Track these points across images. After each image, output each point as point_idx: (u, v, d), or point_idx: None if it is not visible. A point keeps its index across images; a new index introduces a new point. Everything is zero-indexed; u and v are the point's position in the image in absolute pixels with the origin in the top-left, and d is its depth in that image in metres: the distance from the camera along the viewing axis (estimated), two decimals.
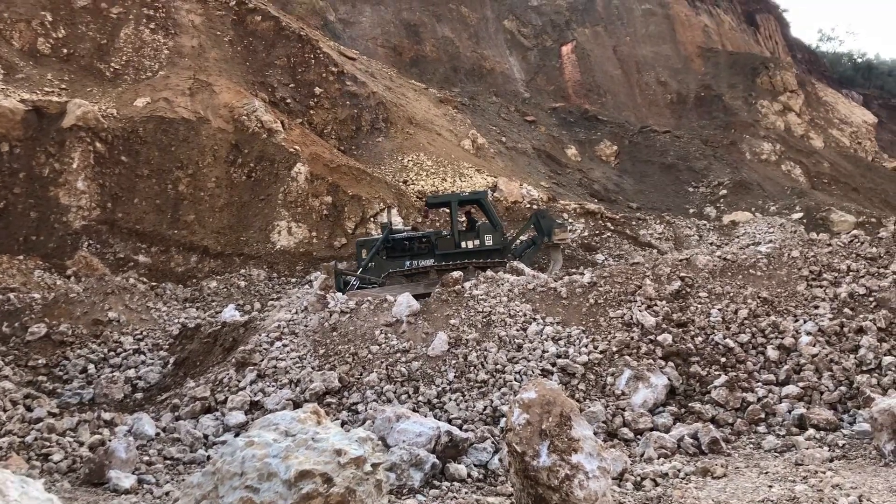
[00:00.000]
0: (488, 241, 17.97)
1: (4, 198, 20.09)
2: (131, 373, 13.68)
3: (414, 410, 9.44)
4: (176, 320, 16.56)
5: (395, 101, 32.66)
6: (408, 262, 17.99)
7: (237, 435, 8.40)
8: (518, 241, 19.08)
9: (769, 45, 59.41)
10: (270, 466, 4.28)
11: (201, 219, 22.55)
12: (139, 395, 12.77)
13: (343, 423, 9.55)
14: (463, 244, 17.97)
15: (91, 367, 14.07)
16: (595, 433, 8.87)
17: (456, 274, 12.96)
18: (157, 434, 9.67)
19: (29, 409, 10.14)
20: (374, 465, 4.35)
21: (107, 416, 10.19)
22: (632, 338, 10.64)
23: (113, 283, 17.27)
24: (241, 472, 4.35)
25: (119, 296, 16.62)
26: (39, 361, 14.07)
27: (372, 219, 23.71)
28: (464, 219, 19.90)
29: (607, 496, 5.57)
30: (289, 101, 29.57)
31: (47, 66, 25.25)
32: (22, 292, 16.36)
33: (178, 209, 22.53)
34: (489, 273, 13.29)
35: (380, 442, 8.08)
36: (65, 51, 26.10)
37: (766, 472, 7.08)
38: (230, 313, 15.75)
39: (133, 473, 8.09)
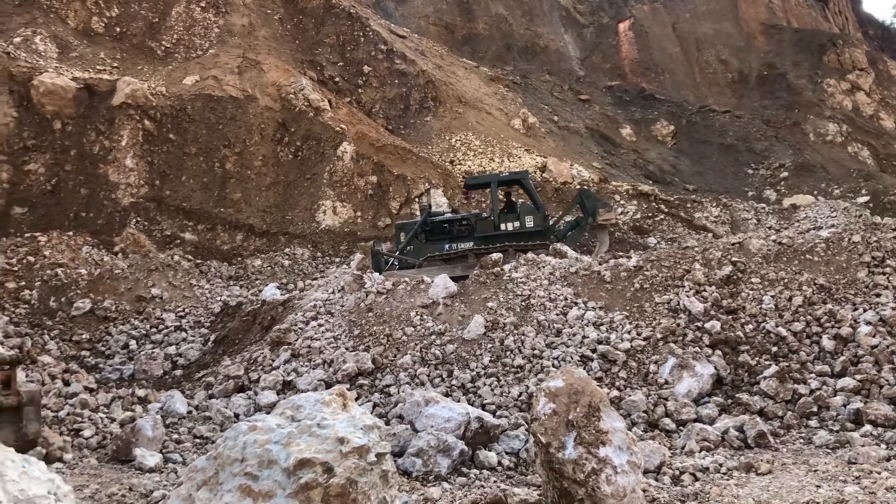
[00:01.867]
0: (529, 222, 17.49)
1: (56, 175, 20.46)
2: (171, 349, 13.79)
3: (447, 395, 9.23)
4: (218, 298, 16.64)
5: (445, 80, 32.30)
6: (447, 245, 17.66)
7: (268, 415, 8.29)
8: (562, 223, 18.60)
9: (838, 21, 57.10)
10: (271, 453, 4.08)
11: (247, 197, 22.65)
12: (178, 372, 12.85)
13: (375, 406, 9.40)
14: (503, 226, 17.53)
15: (133, 343, 14.22)
16: (634, 423, 8.57)
17: (495, 256, 12.63)
18: (189, 412, 9.66)
19: (66, 383, 10.24)
20: (380, 455, 4.11)
21: (141, 392, 10.23)
22: (678, 324, 10.22)
23: (157, 260, 17.45)
24: (242, 458, 4.16)
25: (163, 273, 16.78)
26: (83, 336, 14.28)
27: (416, 199, 23.50)
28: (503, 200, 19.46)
29: (637, 492, 5.25)
30: (337, 79, 29.50)
31: (100, 45, 25.62)
32: (69, 268, 16.62)
33: (225, 187, 22.65)
34: (530, 255, 12.94)
35: (389, 429, 7.89)
36: (118, 29, 26.44)
37: (815, 471, 6.64)
38: (271, 292, 15.74)
39: (160, 452, 8.05)
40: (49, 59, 23.20)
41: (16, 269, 16.36)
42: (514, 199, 19.03)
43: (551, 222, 18.42)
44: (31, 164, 20.27)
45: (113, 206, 20.80)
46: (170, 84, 23.99)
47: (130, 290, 15.81)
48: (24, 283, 15.92)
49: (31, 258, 16.85)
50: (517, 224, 17.55)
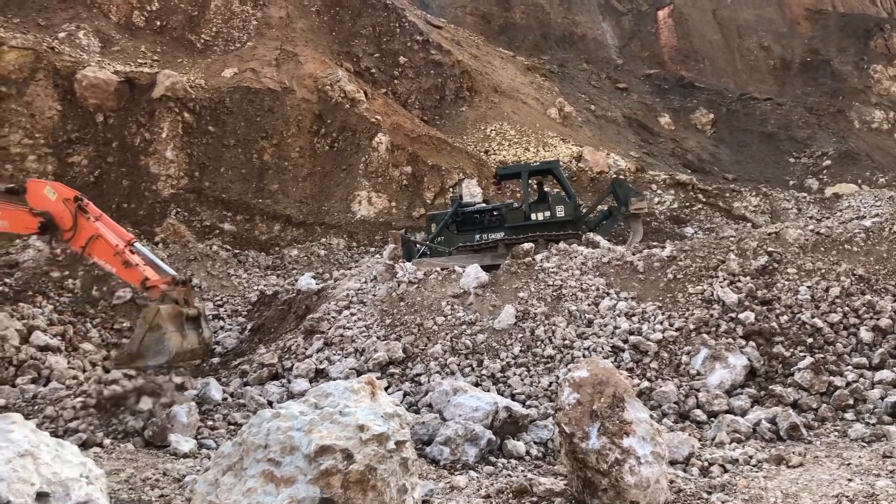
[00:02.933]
0: (560, 212, 17.34)
1: (99, 166, 20.91)
2: None
3: (476, 384, 9.24)
4: (255, 287, 16.86)
5: (481, 70, 32.21)
6: (478, 236, 17.63)
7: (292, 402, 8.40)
8: (595, 213, 18.45)
9: (886, 6, 55.50)
10: (293, 440, 4.15)
11: (285, 188, 22.90)
12: (215, 360, 13.04)
13: (405, 395, 9.46)
14: (533, 216, 17.42)
15: None
16: (665, 414, 8.49)
17: (527, 245, 12.58)
18: (224, 399, 9.81)
19: (106, 370, 10.47)
20: (399, 443, 4.15)
21: (178, 379, 10.41)
22: (711, 315, 10.09)
23: (196, 250, 17.75)
24: (266, 445, 4.23)
25: (202, 262, 17.05)
26: (124, 325, 14.54)
27: (451, 189, 23.53)
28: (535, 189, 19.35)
29: (661, 483, 5.22)
30: (373, 70, 29.60)
31: (141, 39, 26.06)
32: None
33: (263, 178, 22.93)
34: (562, 245, 12.87)
35: (417, 417, 7.92)
36: (158, 23, 26.85)
37: (849, 464, 6.52)
38: (306, 281, 15.91)
39: (195, 438, 8.21)
40: (92, 52, 23.67)
41: (60, 258, 16.76)
42: (546, 189, 18.91)
43: (583, 212, 18.28)
44: (75, 156, 20.74)
45: (154, 197, 21.20)
46: (209, 77, 24.32)
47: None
48: (68, 272, 16.29)
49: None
50: (548, 214, 17.45)
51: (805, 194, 29.89)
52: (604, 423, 5.27)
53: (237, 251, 19.99)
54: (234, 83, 24.09)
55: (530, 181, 19.03)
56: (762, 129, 37.25)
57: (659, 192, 26.12)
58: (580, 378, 5.52)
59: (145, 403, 9.04)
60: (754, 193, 28.38)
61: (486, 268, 12.20)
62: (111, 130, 21.70)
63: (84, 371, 10.10)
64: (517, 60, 37.58)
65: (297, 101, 24.45)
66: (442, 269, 12.29)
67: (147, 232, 19.87)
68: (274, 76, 24.92)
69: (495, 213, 18.11)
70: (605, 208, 18.54)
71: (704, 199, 26.45)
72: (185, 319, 9.33)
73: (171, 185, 21.59)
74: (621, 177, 24.55)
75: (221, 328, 14.70)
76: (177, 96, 22.51)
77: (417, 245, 17.61)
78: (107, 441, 7.97)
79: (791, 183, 32.16)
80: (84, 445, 7.63)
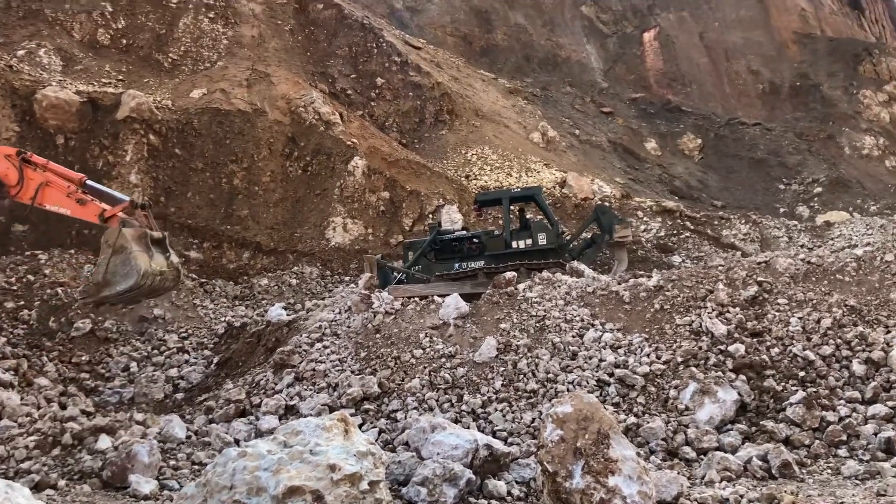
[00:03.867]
0: (542, 240, 17.43)
1: None
2: (173, 372, 13.85)
3: (456, 421, 9.21)
4: (223, 318, 16.73)
5: (461, 92, 32.49)
6: (457, 264, 17.67)
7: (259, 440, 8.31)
8: (578, 241, 18.54)
9: (874, 30, 56.91)
10: (260, 480, 4.10)
11: (255, 214, 22.83)
12: (179, 396, 12.89)
13: (380, 432, 9.39)
14: (514, 244, 17.50)
15: (133, 365, 14.29)
16: (653, 451, 8.50)
17: (509, 274, 12.64)
18: (188, 437, 9.68)
19: (63, 406, 10.31)
20: (373, 483, 4.12)
21: (139, 416, 10.28)
22: (700, 347, 10.16)
23: None
24: (231, 486, 4.19)
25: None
26: (83, 358, 14.36)
27: (430, 215, 23.57)
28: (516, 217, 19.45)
29: None
30: (349, 92, 29.76)
31: (106, 58, 26.02)
32: (71, 287, 16.78)
33: (232, 204, 22.85)
34: (545, 274, 12.93)
35: (393, 456, 7.86)
36: (124, 41, 26.86)
37: (842, 502, 6.55)
38: (276, 312, 15.80)
39: (156, 478, 8.09)
40: (53, 72, 23.59)
41: (15, 287, 16.54)
42: (527, 216, 19.01)
43: (566, 240, 18.37)
44: None
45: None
46: (176, 97, 24.29)
47: (132, 311, 15.91)
48: (23, 302, 16.07)
49: (31, 277, 17.03)
50: (529, 242, 17.54)
51: (796, 222, 30.29)
52: (588, 462, 5.27)
53: (203, 280, 19.84)
54: (202, 104, 24.07)
55: (511, 208, 19.13)
56: (751, 155, 37.81)
57: (645, 219, 26.34)
58: (564, 414, 5.52)
59: (104, 441, 8.91)
60: (744, 221, 28.71)
61: (466, 297, 12.21)
62: (72, 153, 21.54)
63: (39, 408, 9.91)
64: (499, 83, 37.96)
65: (269, 124, 24.47)
66: (421, 299, 12.28)
67: None
68: (245, 97, 24.95)
69: (475, 241, 18.17)
70: (588, 236, 18.66)
71: (692, 227, 26.71)
72: (151, 242, 9.23)
73: None
74: (606, 203, 24.76)
75: (186, 362, 14.53)
76: (142, 118, 22.43)
77: (395, 273, 17.60)
78: (61, 482, 7.82)
79: (782, 210, 32.59)
80: (37, 487, 7.49)
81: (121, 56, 26.40)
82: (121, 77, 25.05)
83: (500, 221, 21.95)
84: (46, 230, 19.71)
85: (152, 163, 22.24)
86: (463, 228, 20.55)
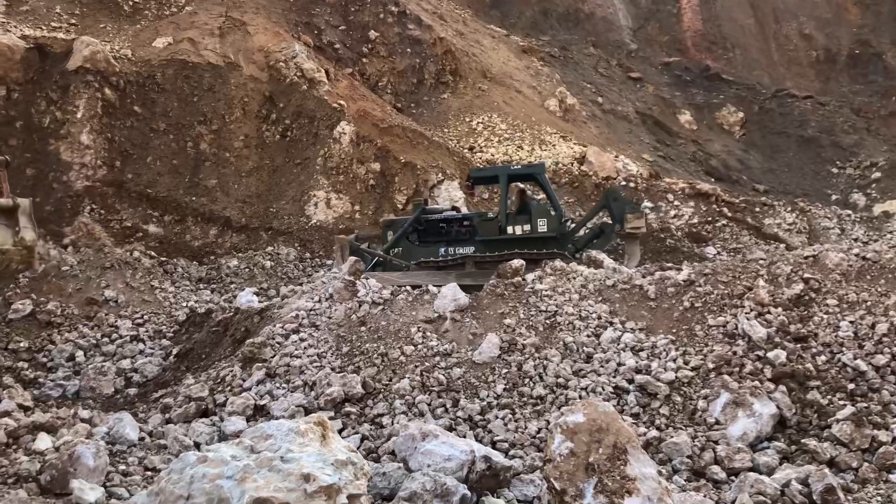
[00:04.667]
0: (542, 226, 17.21)
1: None
2: (126, 363, 13.89)
3: (450, 428, 9.23)
4: (184, 304, 16.77)
5: (467, 50, 32.43)
6: (442, 249, 17.53)
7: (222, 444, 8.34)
8: (586, 229, 18.50)
9: None
10: (222, 490, 4.11)
11: (224, 184, 22.83)
12: (132, 391, 12.95)
13: (363, 439, 9.41)
14: (510, 229, 17.34)
15: (80, 354, 14.34)
16: (676, 470, 8.53)
17: (516, 263, 12.60)
18: (141, 439, 9.70)
19: None
20: (352, 497, 4.12)
21: (85, 413, 10.30)
22: (734, 353, 10.17)
23: (114, 256, 17.62)
24: (188, 495, 4.19)
25: (120, 271, 16.91)
26: (21, 345, 14.40)
27: (430, 192, 23.55)
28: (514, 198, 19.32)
29: None
30: (337, 46, 29.69)
31: None
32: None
33: (199, 172, 22.85)
34: (558, 264, 12.91)
35: (377, 467, 7.88)
36: None
37: None
38: (246, 298, 15.84)
39: (103, 485, 8.10)
40: None
41: None
42: (529, 197, 18.90)
43: (570, 228, 18.25)
44: None
45: (64, 190, 21.03)
46: (137, 46, 24.25)
47: (80, 292, 15.93)
48: None
49: None
50: (527, 228, 17.37)
51: (849, 212, 30.32)
52: (602, 480, 5.28)
53: (164, 259, 19.86)
54: (167, 55, 24.03)
55: (514, 187, 19.05)
56: (801, 133, 37.79)
57: (676, 203, 26.35)
58: (575, 424, 5.53)
59: (43, 441, 8.93)
60: (789, 209, 28.72)
61: (463, 287, 12.22)
62: (15, 107, 21.52)
63: None
64: (511, 41, 37.87)
65: (244, 80, 24.44)
66: (414, 288, 12.29)
67: (54, 232, 19.70)
68: (216, 48, 24.89)
69: (465, 223, 18.08)
70: (597, 225, 18.63)
71: (730, 214, 26.71)
72: None
73: (86, 177, 21.41)
74: (618, 188, 24.57)
75: (141, 352, 14.59)
76: (97, 69, 22.38)
77: (369, 255, 17.50)
78: None
79: (834, 198, 32.63)
80: None
81: None
82: (73, 21, 24.99)
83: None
84: None
85: (107, 121, 22.22)
86: (452, 208, 20.42)
